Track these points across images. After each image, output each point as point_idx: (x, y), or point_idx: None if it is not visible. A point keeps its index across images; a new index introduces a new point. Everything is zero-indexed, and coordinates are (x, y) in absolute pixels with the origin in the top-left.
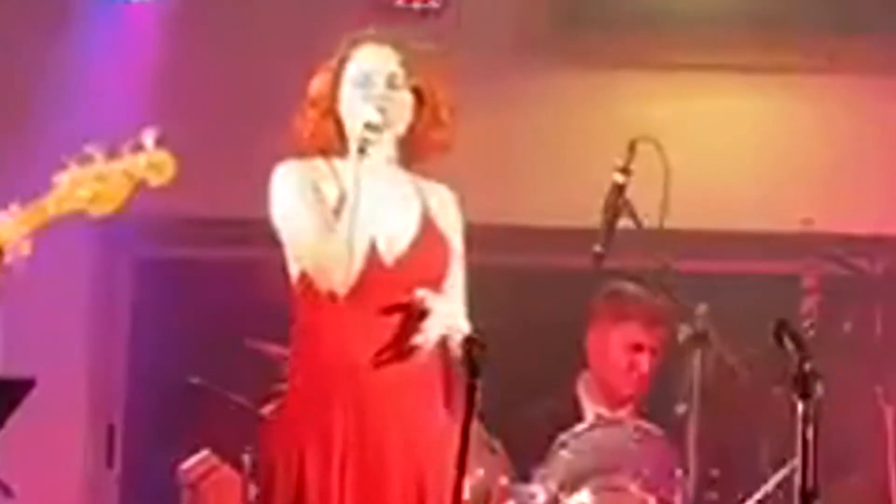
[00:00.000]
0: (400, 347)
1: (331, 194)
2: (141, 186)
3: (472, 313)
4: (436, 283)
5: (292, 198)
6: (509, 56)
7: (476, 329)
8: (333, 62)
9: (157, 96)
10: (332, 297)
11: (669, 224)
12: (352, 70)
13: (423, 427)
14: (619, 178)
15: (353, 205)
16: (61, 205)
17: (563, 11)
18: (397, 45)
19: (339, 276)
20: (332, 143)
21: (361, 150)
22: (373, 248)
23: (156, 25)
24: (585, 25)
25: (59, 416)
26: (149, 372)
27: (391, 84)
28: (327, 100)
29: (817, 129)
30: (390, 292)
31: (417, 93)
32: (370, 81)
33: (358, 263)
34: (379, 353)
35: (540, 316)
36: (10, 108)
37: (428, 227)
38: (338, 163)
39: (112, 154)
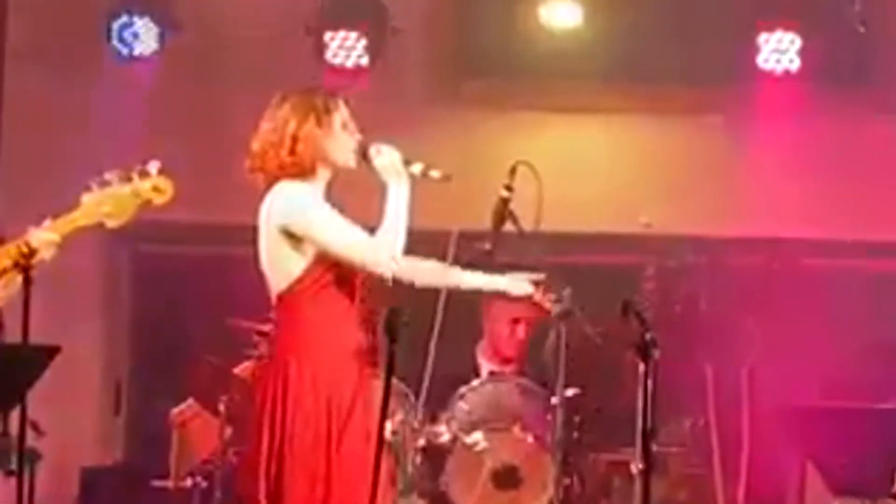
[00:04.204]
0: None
1: None
2: (146, 205)
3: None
4: None
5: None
6: (424, 101)
7: (395, 306)
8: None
9: (156, 129)
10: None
11: (542, 227)
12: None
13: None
14: (504, 192)
15: None
16: (87, 218)
17: (467, 69)
18: None
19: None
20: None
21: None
22: None
23: (155, 74)
24: (485, 78)
25: (78, 374)
26: (147, 340)
27: None
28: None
29: (655, 156)
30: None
31: None
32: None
33: None
34: None
35: (449, 297)
36: (44, 140)
37: None
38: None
39: (124, 178)
